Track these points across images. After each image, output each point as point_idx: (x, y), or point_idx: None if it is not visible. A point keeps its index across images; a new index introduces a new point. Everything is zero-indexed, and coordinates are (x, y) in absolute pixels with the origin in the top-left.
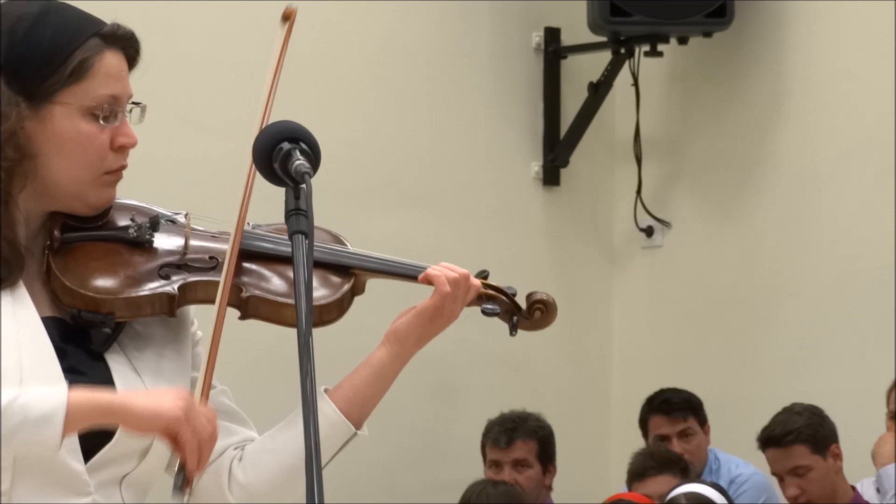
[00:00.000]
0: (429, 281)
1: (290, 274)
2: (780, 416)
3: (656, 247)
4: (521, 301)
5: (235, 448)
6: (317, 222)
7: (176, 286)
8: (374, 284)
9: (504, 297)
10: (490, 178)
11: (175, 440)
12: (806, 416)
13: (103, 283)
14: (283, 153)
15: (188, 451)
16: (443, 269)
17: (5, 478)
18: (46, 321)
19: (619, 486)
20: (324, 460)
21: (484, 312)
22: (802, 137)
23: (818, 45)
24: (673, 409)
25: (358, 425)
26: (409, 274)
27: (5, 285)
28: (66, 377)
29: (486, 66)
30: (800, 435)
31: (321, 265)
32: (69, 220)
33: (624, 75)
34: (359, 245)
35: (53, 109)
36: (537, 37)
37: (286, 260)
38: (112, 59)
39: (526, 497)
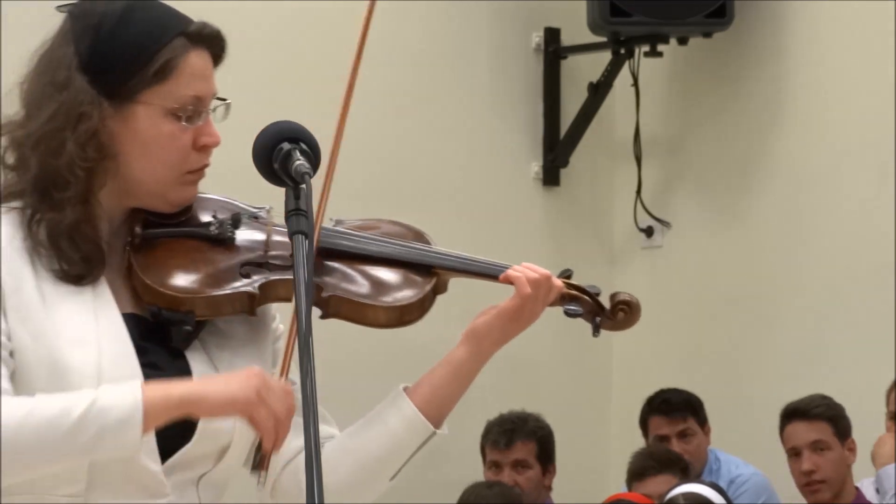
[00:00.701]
0: (510, 281)
1: (374, 273)
2: (806, 397)
3: (656, 247)
4: (604, 300)
5: None
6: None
7: (257, 285)
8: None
9: (587, 298)
10: (490, 178)
11: (251, 420)
12: (831, 402)
13: (184, 281)
14: (283, 153)
15: (264, 430)
16: (524, 270)
17: (80, 478)
18: (127, 318)
19: (619, 486)
20: (402, 460)
21: (567, 314)
22: (802, 137)
23: (818, 45)
24: (673, 409)
25: (437, 424)
26: (490, 273)
27: (86, 281)
28: (145, 372)
29: (486, 67)
30: (827, 411)
31: (403, 264)
32: (150, 216)
33: (624, 75)
34: None
35: (136, 109)
36: (537, 37)
37: (369, 258)
38: (197, 59)
39: (524, 497)
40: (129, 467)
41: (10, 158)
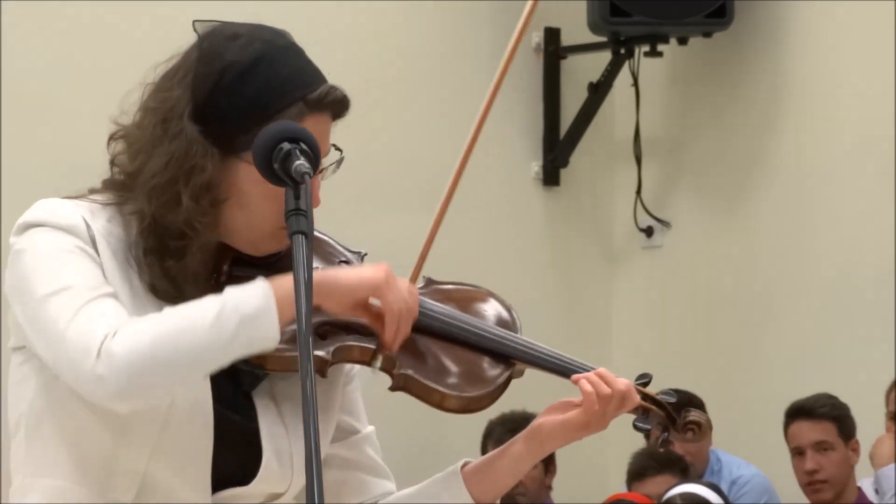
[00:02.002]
0: (581, 393)
1: (453, 356)
2: (812, 396)
3: (656, 247)
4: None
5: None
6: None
7: (331, 350)
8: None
9: (660, 411)
10: (490, 178)
11: (375, 316)
12: (837, 402)
13: None
14: (283, 153)
15: (389, 316)
16: (598, 383)
17: (131, 490)
18: None
19: (619, 486)
20: None
21: (635, 427)
22: (802, 137)
23: (818, 45)
24: None
25: None
26: (567, 373)
27: (170, 302)
28: (216, 409)
29: (487, 66)
30: (832, 411)
31: (483, 350)
32: (240, 254)
33: (624, 75)
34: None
35: (240, 165)
36: (537, 37)
37: (451, 339)
38: (312, 125)
39: (527, 496)
40: (180, 489)
41: (119, 163)
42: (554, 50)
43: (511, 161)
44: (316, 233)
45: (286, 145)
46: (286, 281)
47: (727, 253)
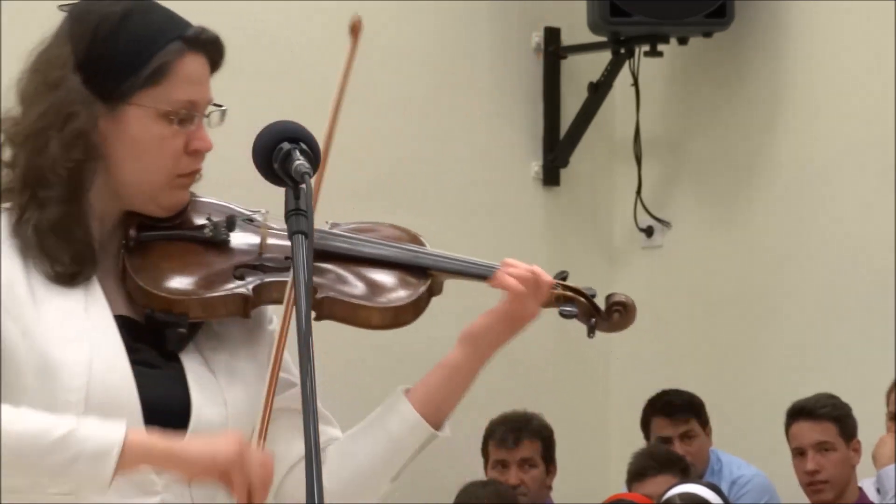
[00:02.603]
0: (500, 285)
1: (368, 274)
2: (813, 396)
3: (656, 247)
4: (599, 301)
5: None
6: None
7: (251, 287)
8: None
9: (582, 299)
10: (490, 178)
11: (229, 483)
12: (838, 402)
13: (177, 283)
14: (283, 153)
15: (238, 493)
16: (511, 269)
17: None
18: (120, 320)
19: (619, 486)
20: (402, 462)
21: (562, 314)
22: (802, 137)
23: (818, 45)
24: (675, 410)
25: (437, 426)
26: (483, 275)
27: (78, 281)
28: (137, 370)
29: (486, 66)
30: (833, 411)
31: (397, 266)
32: (145, 219)
33: (624, 75)
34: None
35: (129, 111)
36: (537, 37)
37: (363, 260)
38: (193, 64)
39: (528, 497)
40: None
41: (5, 155)
42: (554, 50)
43: (511, 161)
44: (203, 198)
45: (286, 145)
46: (142, 437)
47: (727, 253)
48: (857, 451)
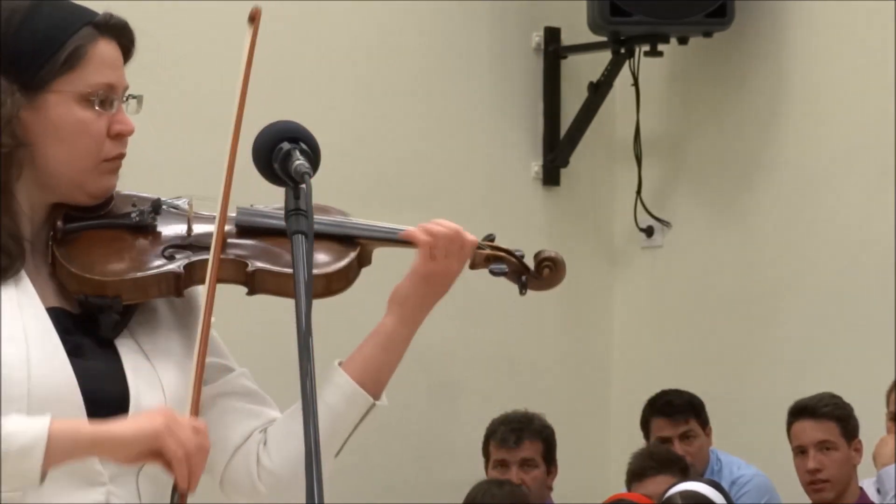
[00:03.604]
0: (410, 239)
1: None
2: (815, 395)
3: (656, 247)
4: (529, 262)
5: (261, 431)
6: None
7: (181, 265)
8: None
9: (512, 258)
10: (490, 178)
11: (165, 462)
12: (840, 402)
13: (109, 266)
14: (283, 153)
15: (175, 462)
16: (426, 225)
17: None
18: (53, 311)
19: (619, 486)
20: (344, 435)
21: (492, 272)
22: (802, 137)
23: (818, 45)
24: (675, 411)
25: (375, 395)
26: (398, 239)
27: (8, 275)
28: (74, 362)
29: (486, 66)
30: (835, 410)
31: (325, 237)
32: (72, 210)
33: (624, 75)
34: None
35: (48, 98)
36: (537, 37)
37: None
38: (106, 48)
39: (530, 497)
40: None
41: None
42: (554, 50)
43: (511, 161)
44: (127, 191)
45: (286, 145)
46: (67, 426)
47: (727, 253)
48: (859, 451)
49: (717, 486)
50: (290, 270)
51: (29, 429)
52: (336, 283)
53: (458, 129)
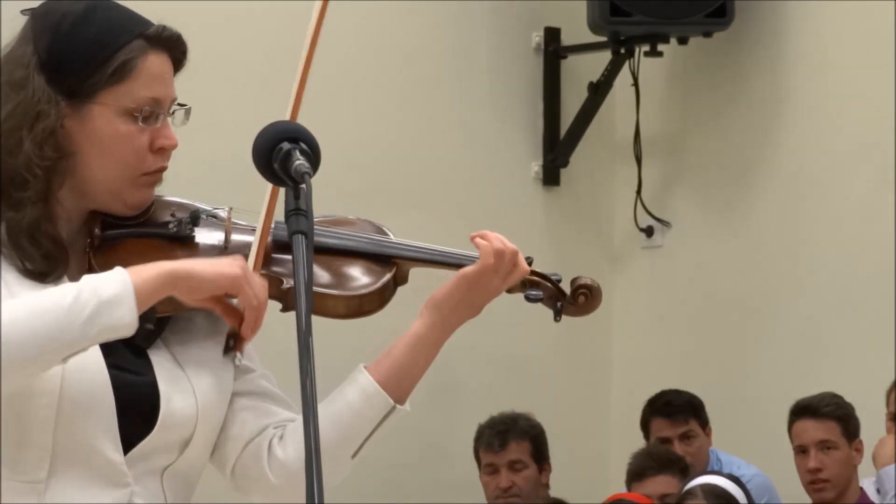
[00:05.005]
0: (476, 245)
1: (332, 264)
2: (817, 395)
3: (656, 247)
4: (565, 287)
5: (276, 427)
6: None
7: None
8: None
9: (548, 284)
10: (490, 178)
11: (228, 308)
12: (842, 402)
13: None
14: (283, 153)
15: (249, 308)
16: (492, 239)
17: (42, 466)
18: None
19: (619, 486)
20: (362, 436)
21: (527, 299)
22: (802, 137)
23: (818, 45)
24: (675, 411)
25: (398, 398)
26: (452, 263)
27: (49, 279)
28: (111, 373)
29: (486, 67)
30: (836, 410)
31: (362, 255)
32: (109, 217)
33: (624, 75)
34: None
35: (93, 109)
36: (537, 37)
37: (327, 251)
38: (155, 62)
39: (522, 497)
40: (91, 457)
41: None
42: (554, 50)
43: (511, 161)
44: (167, 197)
45: (286, 145)
46: (144, 269)
47: (727, 253)
48: (860, 450)
49: (737, 480)
50: (325, 290)
51: (109, 280)
52: (368, 304)
53: (459, 129)
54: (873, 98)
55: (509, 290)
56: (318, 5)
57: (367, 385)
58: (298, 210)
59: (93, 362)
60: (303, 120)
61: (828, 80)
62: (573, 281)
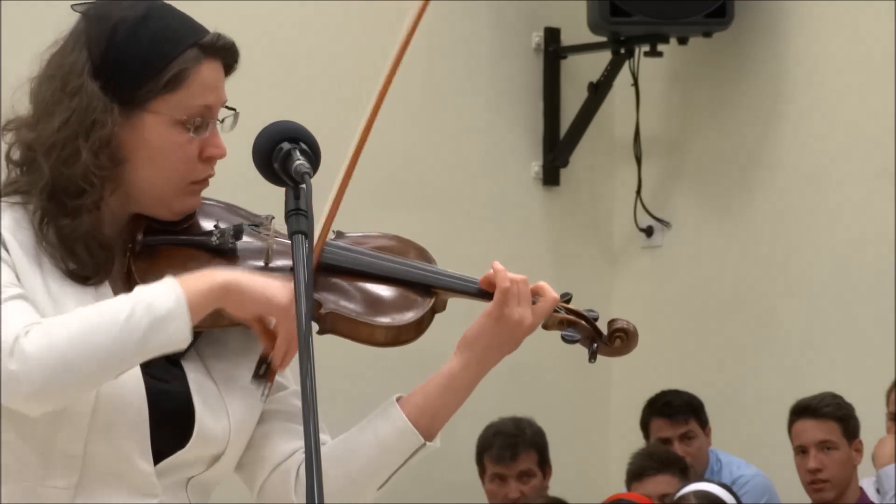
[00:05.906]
0: (489, 282)
1: (373, 291)
2: (817, 395)
3: (656, 247)
4: (602, 324)
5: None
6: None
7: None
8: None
9: (585, 323)
10: (490, 178)
11: (267, 331)
12: (842, 402)
13: None
14: (283, 153)
15: (283, 339)
16: (496, 272)
17: (73, 473)
18: None
19: (619, 487)
20: (390, 470)
21: (564, 339)
22: (802, 137)
23: (818, 44)
24: (674, 411)
25: (428, 436)
26: (489, 294)
27: (92, 282)
28: (145, 380)
29: (486, 66)
30: (837, 410)
31: (402, 283)
32: (152, 222)
33: (624, 75)
34: None
35: (145, 117)
36: (537, 37)
37: (368, 276)
38: (209, 70)
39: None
40: (122, 465)
41: (15, 155)
42: (554, 50)
43: (511, 161)
44: (212, 201)
45: (286, 145)
46: (195, 281)
47: (727, 253)
48: (859, 450)
49: (728, 488)
50: (362, 318)
51: (161, 294)
52: (405, 335)
53: (459, 129)
54: (873, 98)
55: (546, 328)
56: (418, 5)
57: (401, 423)
58: (298, 210)
59: (131, 373)
60: (302, 120)
61: (828, 79)
62: (610, 323)
